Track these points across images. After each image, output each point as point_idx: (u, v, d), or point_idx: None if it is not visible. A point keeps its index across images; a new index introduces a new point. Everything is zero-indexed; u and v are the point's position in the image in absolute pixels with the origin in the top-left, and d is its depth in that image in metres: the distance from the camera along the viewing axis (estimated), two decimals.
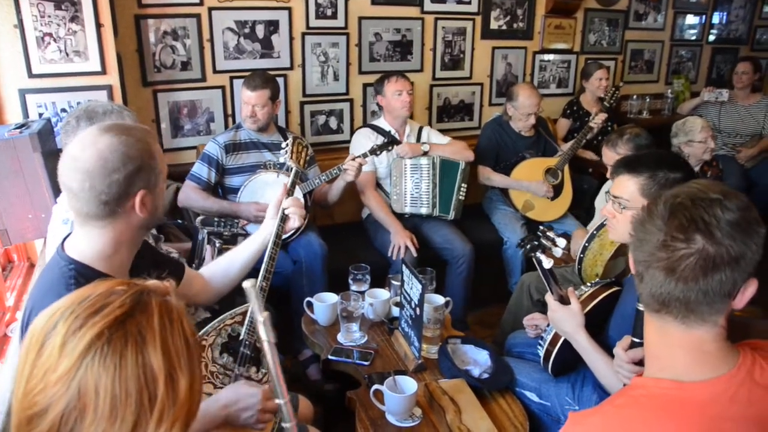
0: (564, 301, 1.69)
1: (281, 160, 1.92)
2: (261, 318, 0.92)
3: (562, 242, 1.68)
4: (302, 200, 2.73)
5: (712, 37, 5.18)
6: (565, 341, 1.72)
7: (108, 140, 1.27)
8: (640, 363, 1.38)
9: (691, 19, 4.99)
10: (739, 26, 5.29)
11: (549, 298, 1.71)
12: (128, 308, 0.79)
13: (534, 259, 1.71)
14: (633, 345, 1.40)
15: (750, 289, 0.96)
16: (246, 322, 1.61)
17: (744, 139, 4.40)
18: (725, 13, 5.17)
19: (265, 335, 0.93)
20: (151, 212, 1.34)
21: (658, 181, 1.63)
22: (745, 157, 4.31)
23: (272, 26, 3.30)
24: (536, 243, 1.71)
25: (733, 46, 5.32)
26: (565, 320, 1.66)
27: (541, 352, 1.82)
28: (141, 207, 1.30)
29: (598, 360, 1.60)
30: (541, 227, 1.76)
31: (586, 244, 2.15)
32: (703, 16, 5.02)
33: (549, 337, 1.79)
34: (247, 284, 0.95)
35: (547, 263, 1.67)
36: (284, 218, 1.77)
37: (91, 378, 0.74)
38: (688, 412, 0.92)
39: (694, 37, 5.07)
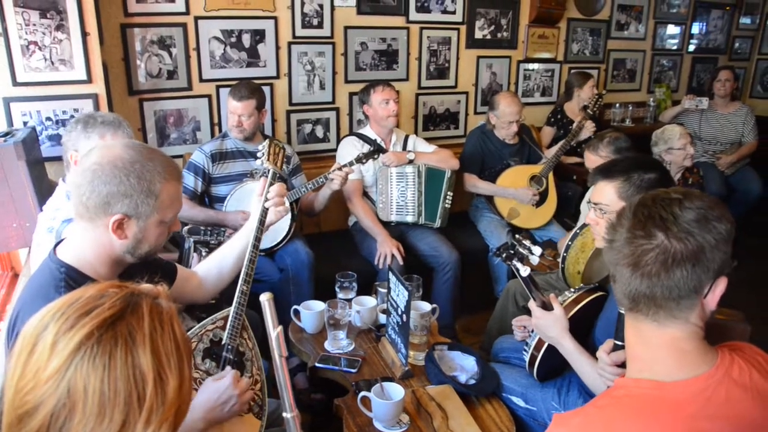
0: (547, 307, 1.71)
1: (257, 163, 1.92)
2: (274, 333, 0.94)
3: (537, 250, 1.70)
4: (287, 202, 2.73)
5: (692, 47, 5.28)
6: (550, 346, 1.74)
7: (117, 155, 1.28)
8: (622, 366, 1.41)
9: (671, 29, 5.09)
10: (717, 36, 5.41)
11: (532, 305, 1.73)
12: (118, 310, 0.80)
13: (512, 268, 1.73)
14: (615, 348, 1.43)
15: (719, 288, 0.99)
16: (228, 326, 1.61)
17: (724, 147, 4.48)
18: (704, 24, 5.29)
19: (278, 350, 0.94)
20: (133, 241, 1.33)
21: (634, 183, 1.66)
22: (724, 164, 4.39)
23: (258, 35, 3.32)
24: (512, 251, 1.73)
25: (712, 56, 5.43)
26: (549, 326, 1.68)
27: (527, 357, 1.83)
28: (116, 229, 1.29)
29: (584, 363, 1.62)
30: (516, 235, 1.78)
31: (570, 243, 2.18)
32: (683, 27, 5.13)
33: (533, 342, 1.81)
34: (263, 297, 0.97)
35: (524, 271, 1.69)
36: (263, 219, 1.74)
37: (80, 377, 0.74)
38: (667, 412, 0.94)
39: (674, 47, 5.17)
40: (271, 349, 0.99)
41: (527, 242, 1.74)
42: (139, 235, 1.33)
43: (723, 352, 1.02)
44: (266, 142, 1.92)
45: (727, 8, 5.34)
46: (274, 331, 0.96)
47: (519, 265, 1.70)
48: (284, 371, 0.97)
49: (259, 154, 1.88)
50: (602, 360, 1.45)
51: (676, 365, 0.98)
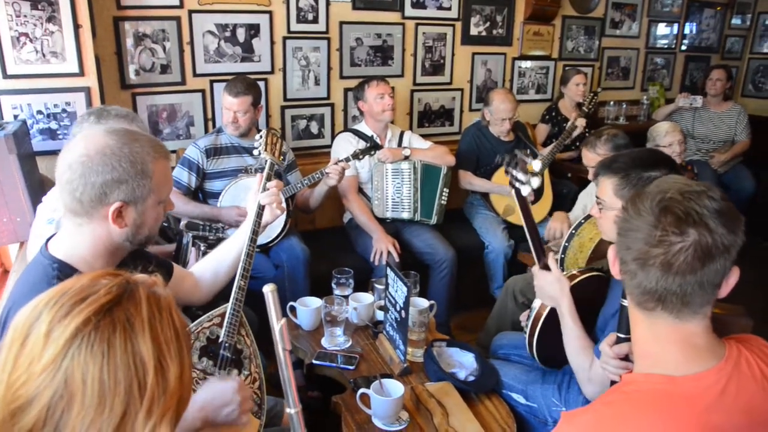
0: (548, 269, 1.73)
1: (255, 153, 1.89)
2: (278, 326, 0.91)
3: (537, 164, 1.70)
4: (281, 195, 2.71)
5: (685, 46, 5.30)
6: (545, 322, 1.74)
7: (103, 142, 1.23)
8: (625, 358, 1.40)
9: (665, 28, 5.10)
10: (710, 35, 5.43)
11: (535, 267, 1.74)
12: (115, 296, 0.76)
13: (512, 181, 1.72)
14: (618, 341, 1.41)
15: (733, 277, 0.98)
16: (225, 323, 1.58)
17: (717, 145, 4.50)
18: (697, 23, 5.31)
19: (282, 343, 0.92)
20: (133, 227, 1.30)
21: (631, 181, 1.62)
22: (718, 162, 4.41)
23: (253, 30, 3.28)
24: (515, 160, 1.73)
25: (704, 55, 5.45)
26: (551, 283, 1.69)
27: (526, 334, 1.83)
28: (116, 218, 1.25)
29: (574, 330, 1.64)
30: (516, 150, 1.78)
31: (566, 244, 2.17)
32: (676, 25, 5.14)
33: (533, 315, 1.81)
34: (266, 289, 0.94)
35: (525, 191, 1.69)
36: (260, 213, 1.72)
37: (78, 366, 0.71)
38: (680, 406, 0.93)
39: (667, 45, 5.18)
40: (274, 342, 0.96)
41: (527, 156, 1.74)
42: (138, 220, 1.30)
43: (730, 344, 1.01)
44: (264, 132, 1.89)
45: (719, 8, 5.36)
46: (277, 324, 0.93)
47: (521, 187, 1.70)
48: (288, 365, 0.95)
49: (256, 144, 1.85)
50: (605, 353, 1.43)
51: (686, 359, 0.97)
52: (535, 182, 1.72)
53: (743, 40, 5.66)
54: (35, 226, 1.89)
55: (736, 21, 5.55)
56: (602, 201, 1.69)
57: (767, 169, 4.68)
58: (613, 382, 1.42)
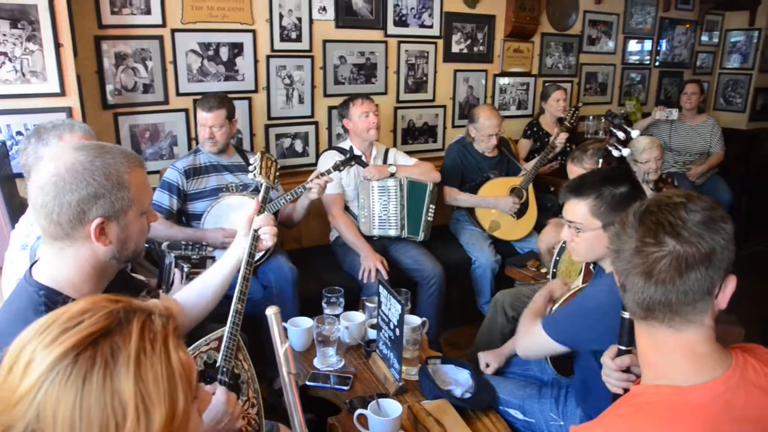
0: None
1: (250, 177, 1.87)
2: (282, 349, 0.89)
3: (635, 133, 1.88)
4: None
5: (658, 62, 5.44)
6: None
7: (72, 158, 1.17)
8: (626, 370, 1.39)
9: (639, 44, 5.23)
10: (682, 51, 5.58)
11: None
12: (103, 326, 0.71)
13: (610, 141, 1.87)
14: (619, 353, 1.41)
15: (730, 286, 0.99)
16: (222, 347, 1.54)
17: (693, 157, 4.60)
18: (669, 39, 5.45)
19: (286, 366, 0.89)
20: (118, 244, 1.23)
21: (605, 199, 1.63)
22: (695, 174, 4.50)
23: (236, 48, 3.27)
24: (617, 116, 1.90)
25: (677, 70, 5.60)
26: None
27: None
28: (99, 236, 1.19)
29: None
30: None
31: (557, 258, 2.17)
32: (650, 42, 5.28)
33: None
34: (269, 311, 0.91)
35: (616, 153, 1.83)
36: (256, 237, 1.68)
37: (50, 400, 0.66)
38: (689, 416, 0.93)
39: (642, 61, 5.31)
40: (278, 365, 0.94)
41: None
42: (122, 235, 1.23)
43: (736, 354, 1.02)
44: (258, 155, 1.87)
45: (688, 25, 5.52)
46: (282, 347, 0.90)
47: (621, 136, 1.85)
48: (293, 389, 0.92)
49: (251, 168, 1.83)
50: (607, 366, 1.43)
51: (693, 369, 0.97)
52: (626, 152, 1.76)
53: (713, 56, 5.83)
54: (9, 252, 1.82)
55: (705, 38, 5.72)
56: (577, 224, 1.68)
57: (741, 180, 4.81)
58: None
